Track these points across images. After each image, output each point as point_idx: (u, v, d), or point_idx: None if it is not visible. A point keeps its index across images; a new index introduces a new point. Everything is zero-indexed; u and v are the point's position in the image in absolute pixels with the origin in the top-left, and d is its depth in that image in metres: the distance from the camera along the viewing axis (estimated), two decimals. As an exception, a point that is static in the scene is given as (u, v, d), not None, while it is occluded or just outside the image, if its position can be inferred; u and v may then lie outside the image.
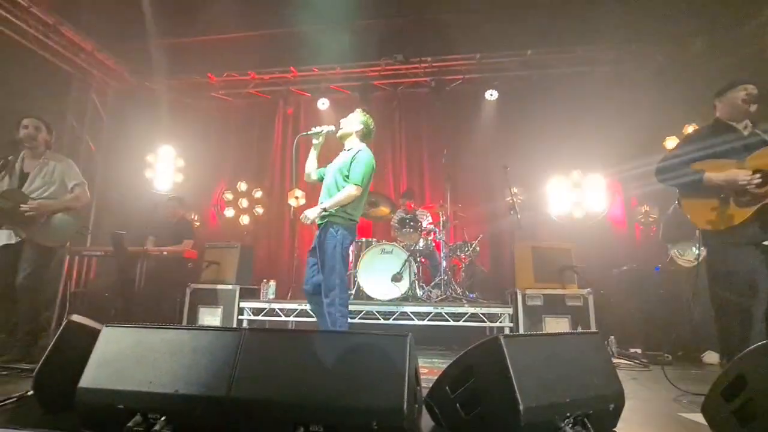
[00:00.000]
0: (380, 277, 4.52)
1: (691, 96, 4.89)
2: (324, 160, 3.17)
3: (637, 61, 5.78)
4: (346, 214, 2.85)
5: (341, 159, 2.98)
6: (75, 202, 3.26)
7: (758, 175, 2.25)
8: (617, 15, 5.06)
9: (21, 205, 3.00)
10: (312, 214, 2.81)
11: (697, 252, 4.00)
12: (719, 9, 4.80)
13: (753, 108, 2.42)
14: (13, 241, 3.04)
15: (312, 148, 3.09)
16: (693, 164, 2.45)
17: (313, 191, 6.52)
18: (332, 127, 3.04)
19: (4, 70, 4.85)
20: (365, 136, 3.04)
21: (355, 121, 3.03)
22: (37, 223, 3.08)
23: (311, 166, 3.11)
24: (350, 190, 2.79)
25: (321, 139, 3.04)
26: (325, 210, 2.79)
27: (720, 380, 1.51)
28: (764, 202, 2.25)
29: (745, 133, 2.45)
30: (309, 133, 3.04)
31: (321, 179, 3.09)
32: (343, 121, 3.07)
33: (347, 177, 2.85)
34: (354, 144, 3.01)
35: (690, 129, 5.10)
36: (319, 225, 2.88)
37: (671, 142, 5.15)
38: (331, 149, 3.19)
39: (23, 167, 3.19)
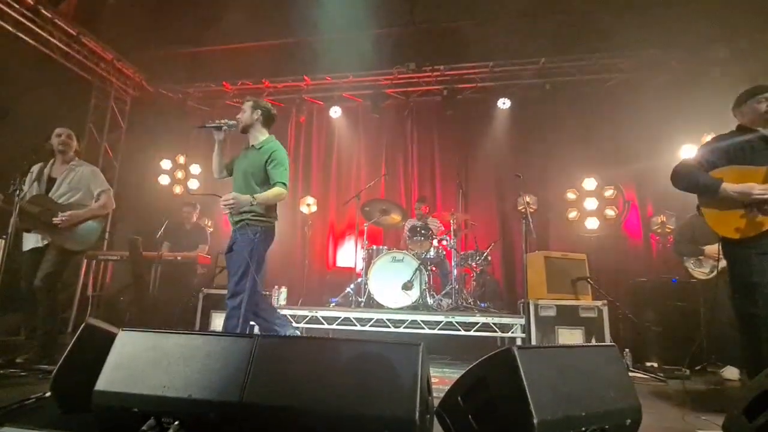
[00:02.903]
0: (391, 285, 4.50)
1: (708, 104, 4.81)
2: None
3: (654, 68, 5.71)
4: (265, 215, 2.74)
5: (251, 159, 2.84)
6: (102, 210, 3.35)
7: None
8: (633, 22, 5.03)
9: (53, 219, 3.08)
10: (243, 200, 2.61)
11: (713, 264, 3.93)
12: (738, 16, 4.73)
13: None
14: (40, 245, 3.12)
15: (216, 145, 2.94)
16: (713, 171, 2.38)
17: (323, 198, 6.59)
18: (234, 122, 2.87)
19: (27, 79, 5.01)
20: (267, 120, 2.94)
21: (250, 109, 2.90)
22: (64, 229, 3.15)
23: (218, 164, 2.97)
24: (280, 192, 2.71)
25: (222, 135, 2.88)
26: (253, 203, 2.64)
27: (742, 397, 1.47)
28: None
29: None
30: (208, 125, 2.86)
31: (230, 174, 2.97)
32: (239, 116, 2.93)
33: (262, 181, 2.75)
34: (260, 135, 2.91)
35: (708, 137, 5.02)
36: (235, 225, 2.77)
37: (688, 152, 5.07)
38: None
39: (51, 173, 3.29)
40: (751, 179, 2.28)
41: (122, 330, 1.71)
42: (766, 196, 2.19)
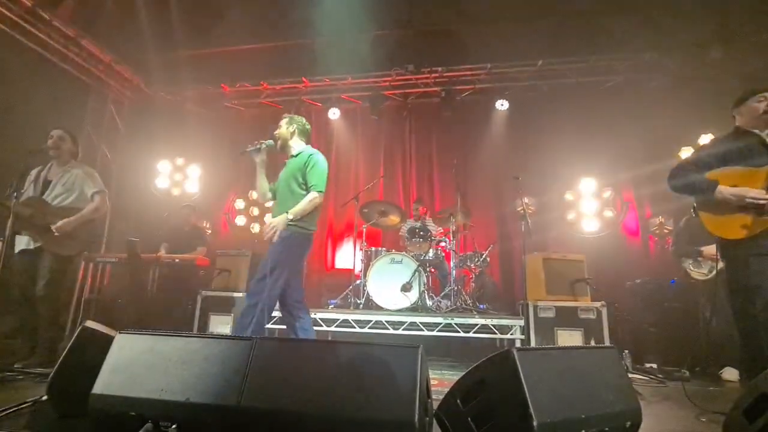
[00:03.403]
0: (390, 286, 4.50)
1: (706, 106, 4.83)
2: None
3: (651, 70, 5.73)
4: (303, 224, 2.77)
5: (291, 166, 2.90)
6: (95, 212, 3.32)
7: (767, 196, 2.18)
8: (630, 24, 5.04)
9: (46, 225, 3.06)
10: (280, 223, 2.66)
11: (712, 265, 3.93)
12: (735, 17, 4.75)
13: None
14: (31, 247, 3.10)
15: (257, 168, 2.99)
16: (709, 173, 2.38)
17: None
18: (270, 141, 2.96)
19: (25, 81, 5.00)
20: (302, 133, 3.01)
21: (286, 124, 2.99)
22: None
23: (263, 187, 3.02)
24: (314, 198, 2.75)
25: (262, 155, 2.94)
26: (289, 217, 2.67)
27: (742, 399, 1.46)
28: None
29: None
30: (247, 150, 2.94)
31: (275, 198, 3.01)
32: (275, 132, 3.01)
33: (303, 184, 2.79)
34: (299, 146, 2.97)
35: (705, 139, 5.03)
36: (270, 222, 2.78)
37: (686, 153, 5.08)
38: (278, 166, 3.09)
39: (47, 176, 3.28)
40: (749, 180, 2.28)
41: (119, 333, 1.70)
42: (760, 201, 2.19)
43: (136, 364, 1.59)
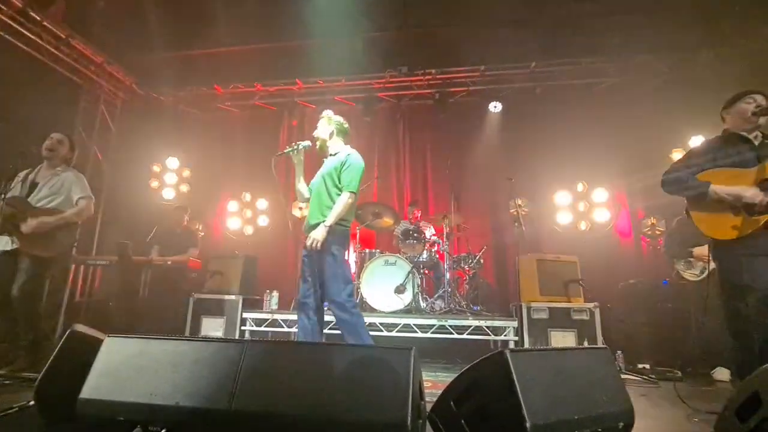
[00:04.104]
0: (383, 288, 4.48)
1: (697, 108, 4.88)
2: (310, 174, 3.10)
3: (643, 72, 5.79)
4: (340, 222, 2.78)
5: (329, 163, 2.92)
6: (77, 216, 3.25)
7: (764, 200, 2.21)
8: (622, 27, 5.09)
9: (21, 225, 3.01)
10: (319, 235, 2.66)
11: (703, 266, 3.97)
12: (725, 21, 4.81)
13: (763, 120, 2.38)
14: (9, 248, 3.05)
15: (296, 168, 3.01)
16: (699, 174, 2.42)
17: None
18: (308, 143, 2.96)
19: (16, 82, 4.94)
20: (341, 132, 3.00)
21: (324, 124, 2.99)
22: (33, 234, 3.07)
23: (301, 186, 3.04)
24: (346, 199, 2.75)
25: (299, 155, 2.95)
26: (325, 224, 2.69)
27: (733, 399, 1.47)
28: None
29: (756, 143, 2.41)
30: (285, 151, 2.95)
31: None
32: (315, 132, 3.02)
33: (338, 183, 2.80)
34: (337, 146, 2.97)
35: (696, 141, 5.08)
36: (311, 230, 2.78)
37: (677, 155, 5.13)
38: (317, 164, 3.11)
39: (35, 178, 3.24)
40: (739, 181, 2.32)
41: (108, 336, 1.67)
42: (755, 201, 2.22)
43: (125, 368, 1.57)
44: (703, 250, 3.82)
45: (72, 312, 5.15)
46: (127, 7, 5.41)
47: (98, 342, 1.69)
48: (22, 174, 3.24)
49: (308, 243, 2.68)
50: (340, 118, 3.05)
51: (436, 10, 5.47)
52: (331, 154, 2.98)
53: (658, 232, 5.44)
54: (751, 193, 2.24)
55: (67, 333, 1.86)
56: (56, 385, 1.72)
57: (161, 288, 4.59)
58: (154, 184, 6.64)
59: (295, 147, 2.92)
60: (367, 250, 5.04)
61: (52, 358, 1.79)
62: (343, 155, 2.86)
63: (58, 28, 5.26)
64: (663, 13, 4.95)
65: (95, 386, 1.55)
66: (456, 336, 4.16)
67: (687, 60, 5.45)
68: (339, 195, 2.78)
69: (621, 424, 1.55)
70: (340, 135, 3.00)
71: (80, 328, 1.92)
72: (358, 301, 4.37)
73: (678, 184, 2.48)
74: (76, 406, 1.52)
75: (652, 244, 5.54)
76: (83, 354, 1.69)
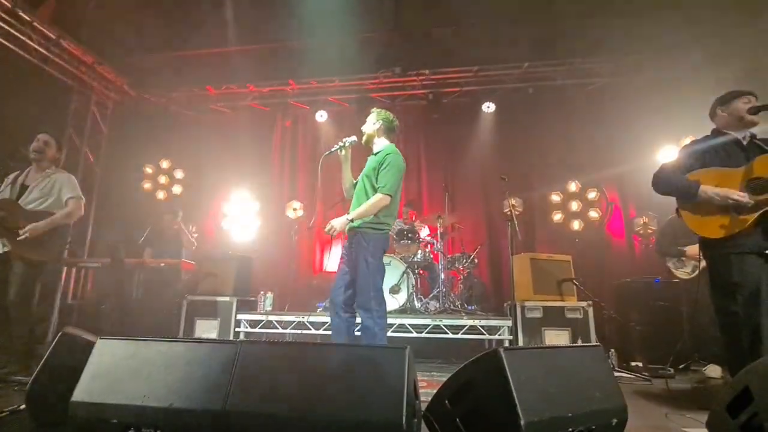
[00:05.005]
0: (379, 288, 4.48)
1: (688, 107, 4.92)
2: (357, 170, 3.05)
3: (633, 73, 5.85)
4: (376, 223, 2.69)
5: (369, 163, 2.86)
6: (67, 217, 3.22)
7: (751, 201, 2.24)
8: (614, 28, 5.13)
9: (19, 231, 2.98)
10: (338, 224, 2.63)
11: (694, 264, 4.01)
12: (716, 21, 4.87)
13: (756, 119, 2.41)
14: (0, 252, 3.01)
15: (342, 165, 2.94)
16: (689, 174, 2.45)
17: (310, 202, 6.55)
18: (353, 138, 2.90)
19: (4, 83, 4.88)
20: (388, 130, 2.92)
21: (373, 120, 2.92)
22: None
23: (347, 182, 2.97)
24: (379, 199, 2.64)
25: (346, 152, 2.89)
26: (351, 221, 2.64)
27: (725, 395, 1.49)
28: (765, 209, 2.22)
29: (744, 143, 2.45)
30: (332, 150, 2.89)
31: None
32: (363, 127, 2.97)
33: (375, 183, 2.72)
34: (381, 144, 2.91)
35: (687, 140, 5.14)
36: (349, 236, 2.74)
37: (669, 154, 5.18)
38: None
39: (24, 181, 3.20)
40: (728, 180, 2.35)
41: (100, 338, 1.66)
42: (743, 201, 2.25)
43: (117, 370, 1.56)
44: (695, 249, 3.85)
45: (64, 314, 5.09)
46: (118, 8, 5.36)
47: (90, 344, 1.67)
48: (11, 176, 3.21)
49: (326, 228, 2.65)
50: (388, 114, 2.96)
51: (429, 11, 5.48)
52: (373, 153, 2.91)
53: (650, 231, 5.50)
54: (738, 194, 2.27)
55: (58, 335, 1.84)
56: (48, 388, 1.71)
57: (154, 290, 4.56)
58: (147, 185, 6.59)
59: (342, 144, 2.87)
60: (362, 251, 5.03)
61: (43, 361, 1.77)
62: (383, 155, 2.78)
63: (48, 29, 5.20)
64: (653, 12, 4.99)
65: (87, 389, 1.53)
66: (451, 336, 4.16)
67: (677, 59, 5.51)
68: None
69: (614, 421, 1.56)
70: (387, 133, 2.92)
71: (72, 330, 1.90)
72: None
73: (668, 184, 2.51)
74: (68, 409, 1.50)
75: (644, 243, 5.59)
76: (75, 356, 1.68)
